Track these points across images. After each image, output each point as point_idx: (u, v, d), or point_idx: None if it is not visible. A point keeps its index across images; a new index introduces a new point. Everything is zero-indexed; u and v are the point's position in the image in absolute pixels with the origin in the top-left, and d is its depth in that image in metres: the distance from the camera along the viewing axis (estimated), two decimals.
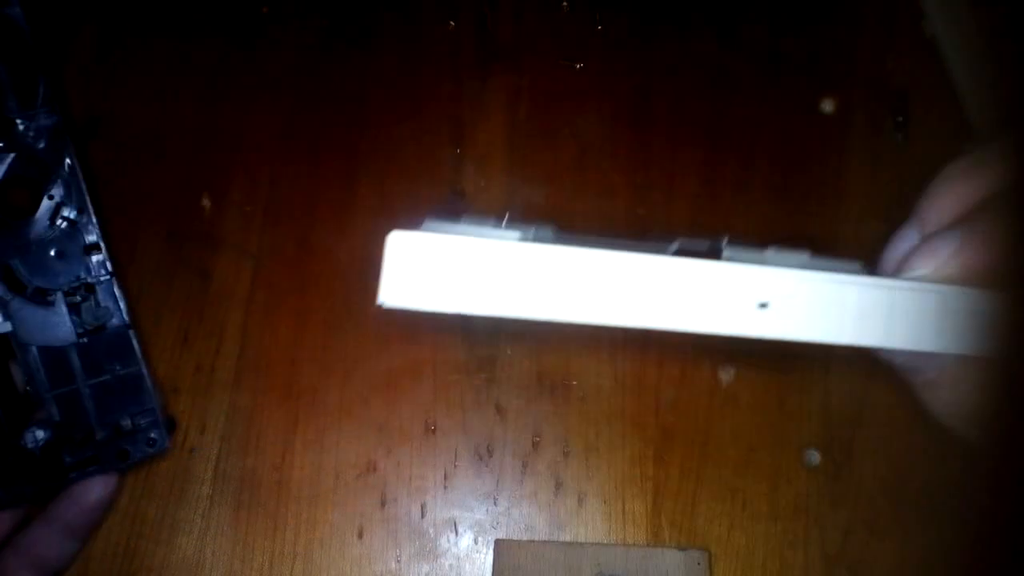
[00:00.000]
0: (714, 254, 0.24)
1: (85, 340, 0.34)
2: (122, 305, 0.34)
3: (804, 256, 0.24)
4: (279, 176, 0.48)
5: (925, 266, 0.19)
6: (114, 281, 0.34)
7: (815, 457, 0.45)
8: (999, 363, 0.19)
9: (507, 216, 0.26)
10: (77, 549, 0.37)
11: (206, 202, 0.48)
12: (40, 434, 0.33)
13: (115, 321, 0.34)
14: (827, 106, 0.50)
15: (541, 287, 0.18)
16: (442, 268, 0.18)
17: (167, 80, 0.50)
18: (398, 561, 0.43)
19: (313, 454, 0.44)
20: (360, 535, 0.43)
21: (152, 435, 0.35)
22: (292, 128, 0.49)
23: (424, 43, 0.51)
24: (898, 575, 0.43)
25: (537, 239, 0.22)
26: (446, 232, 0.19)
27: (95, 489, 0.35)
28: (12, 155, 0.33)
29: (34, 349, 0.33)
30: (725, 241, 0.25)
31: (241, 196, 0.48)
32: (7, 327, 0.33)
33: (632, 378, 0.45)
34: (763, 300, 0.19)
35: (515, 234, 0.21)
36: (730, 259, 0.24)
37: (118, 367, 0.34)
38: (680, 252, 0.23)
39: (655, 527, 0.44)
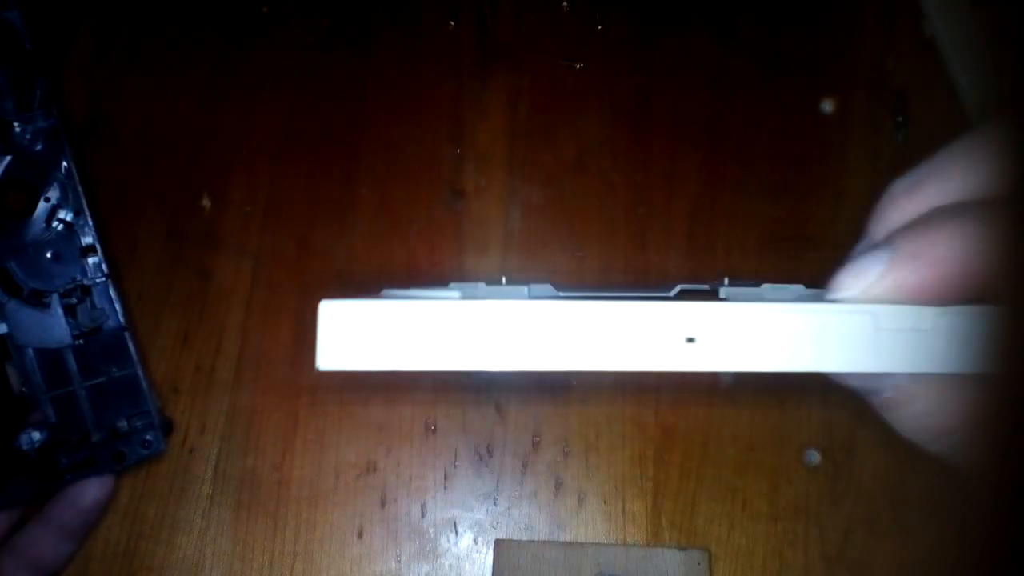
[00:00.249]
0: (713, 294, 0.24)
1: (81, 342, 0.34)
2: (118, 307, 0.34)
3: (799, 289, 0.24)
4: (279, 176, 0.48)
5: (852, 287, 0.19)
6: (110, 283, 0.34)
7: (815, 457, 0.45)
8: (980, 379, 0.19)
9: (504, 279, 0.27)
10: (74, 550, 0.37)
11: (206, 202, 0.48)
12: (36, 436, 0.33)
13: (111, 323, 0.34)
14: (827, 106, 0.50)
15: (469, 341, 0.19)
16: (371, 331, 0.19)
17: (167, 80, 0.50)
18: (398, 561, 0.43)
19: (313, 454, 0.44)
20: (360, 535, 0.43)
21: (148, 437, 0.35)
22: (292, 128, 0.49)
23: (424, 43, 0.51)
24: (898, 575, 0.43)
25: (533, 296, 0.23)
26: (392, 298, 0.20)
27: (91, 491, 0.35)
28: (9, 157, 0.33)
29: (30, 351, 0.33)
30: (725, 281, 0.24)
31: (241, 196, 0.48)
32: (3, 329, 0.32)
33: (632, 378, 0.45)
34: (690, 335, 0.19)
35: (455, 293, 0.22)
36: (727, 298, 0.24)
37: (114, 369, 0.34)
38: (682, 293, 0.23)
39: (655, 527, 0.44)
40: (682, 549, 0.42)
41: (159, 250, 0.46)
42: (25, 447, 0.33)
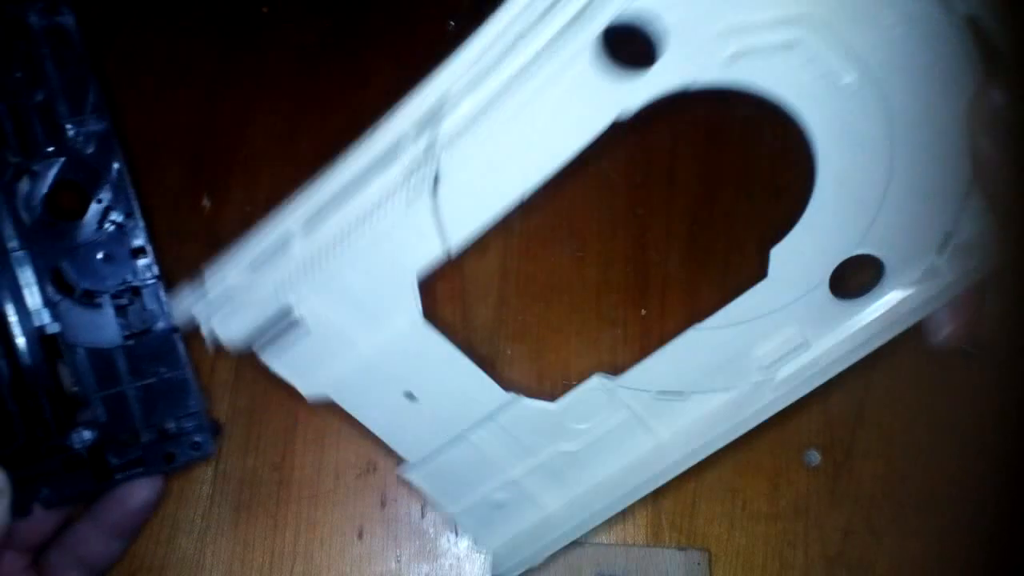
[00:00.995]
0: None
1: (131, 342, 0.34)
2: (167, 309, 0.35)
3: None
4: (279, 176, 0.49)
5: None
6: (160, 285, 0.35)
7: (815, 457, 0.45)
8: None
9: None
10: (123, 549, 0.37)
11: (206, 202, 0.48)
12: (87, 435, 0.34)
13: (160, 324, 0.35)
14: None
15: None
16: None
17: (167, 80, 0.50)
18: (398, 561, 0.43)
19: (313, 454, 0.44)
20: (360, 535, 0.43)
21: (197, 439, 0.36)
22: (292, 128, 0.49)
23: (424, 43, 0.51)
24: (898, 575, 0.44)
25: None
26: None
27: (141, 491, 0.35)
28: (62, 160, 0.34)
29: (81, 350, 0.34)
30: None
31: (241, 196, 0.48)
32: (56, 328, 0.33)
33: None
34: None
35: None
36: None
37: (163, 370, 0.35)
38: None
39: (655, 527, 0.44)
40: (682, 549, 0.43)
41: (159, 250, 0.46)
42: (76, 446, 0.34)
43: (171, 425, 0.35)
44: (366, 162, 0.31)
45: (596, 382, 0.34)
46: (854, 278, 0.31)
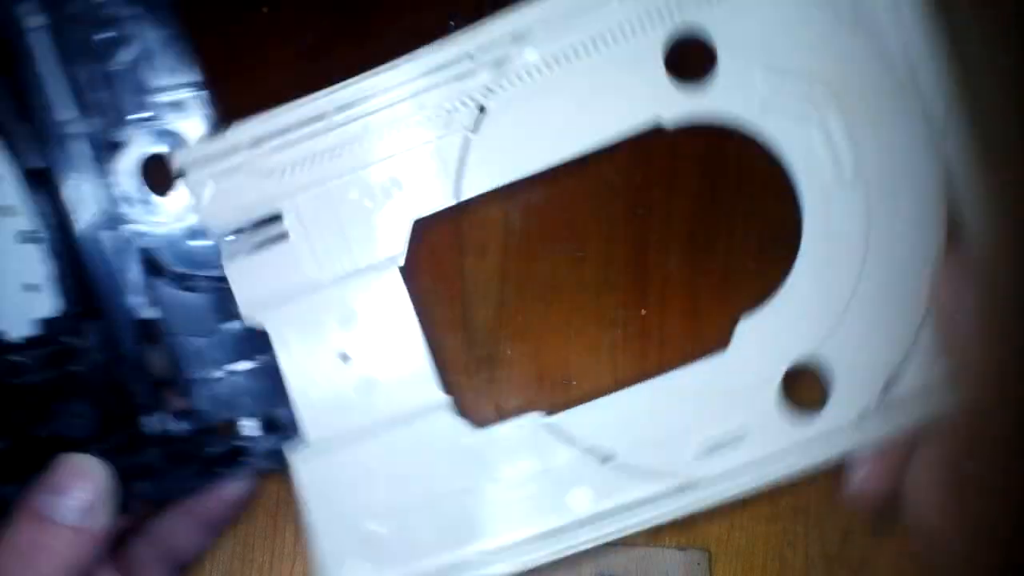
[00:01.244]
0: None
1: (227, 328, 0.32)
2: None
3: None
4: None
5: None
6: None
7: None
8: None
9: None
10: (209, 544, 0.36)
11: None
12: (184, 425, 0.32)
13: None
14: None
15: None
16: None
17: None
18: None
19: None
20: None
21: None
22: None
23: (424, 43, 0.51)
24: (898, 575, 0.44)
25: None
26: None
27: (236, 485, 0.33)
28: (152, 131, 0.32)
29: (178, 336, 0.32)
30: None
31: None
32: (151, 313, 0.31)
33: (632, 378, 0.45)
34: None
35: None
36: None
37: (262, 357, 0.32)
38: None
39: (655, 527, 0.44)
40: (682, 549, 0.43)
41: None
42: (174, 437, 0.32)
43: (273, 415, 0.32)
44: (426, 69, 0.32)
45: (527, 420, 0.32)
46: (800, 394, 0.31)
